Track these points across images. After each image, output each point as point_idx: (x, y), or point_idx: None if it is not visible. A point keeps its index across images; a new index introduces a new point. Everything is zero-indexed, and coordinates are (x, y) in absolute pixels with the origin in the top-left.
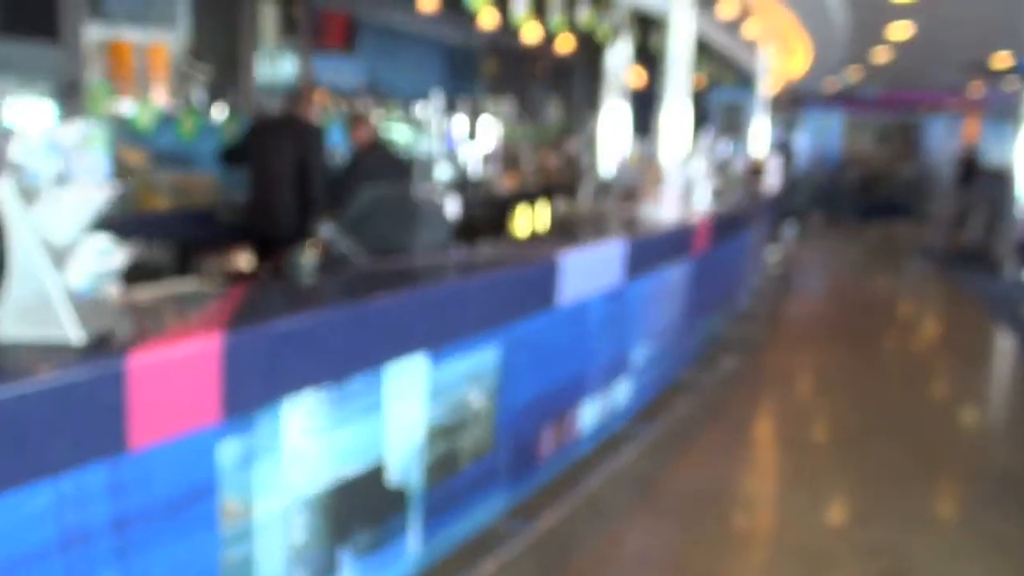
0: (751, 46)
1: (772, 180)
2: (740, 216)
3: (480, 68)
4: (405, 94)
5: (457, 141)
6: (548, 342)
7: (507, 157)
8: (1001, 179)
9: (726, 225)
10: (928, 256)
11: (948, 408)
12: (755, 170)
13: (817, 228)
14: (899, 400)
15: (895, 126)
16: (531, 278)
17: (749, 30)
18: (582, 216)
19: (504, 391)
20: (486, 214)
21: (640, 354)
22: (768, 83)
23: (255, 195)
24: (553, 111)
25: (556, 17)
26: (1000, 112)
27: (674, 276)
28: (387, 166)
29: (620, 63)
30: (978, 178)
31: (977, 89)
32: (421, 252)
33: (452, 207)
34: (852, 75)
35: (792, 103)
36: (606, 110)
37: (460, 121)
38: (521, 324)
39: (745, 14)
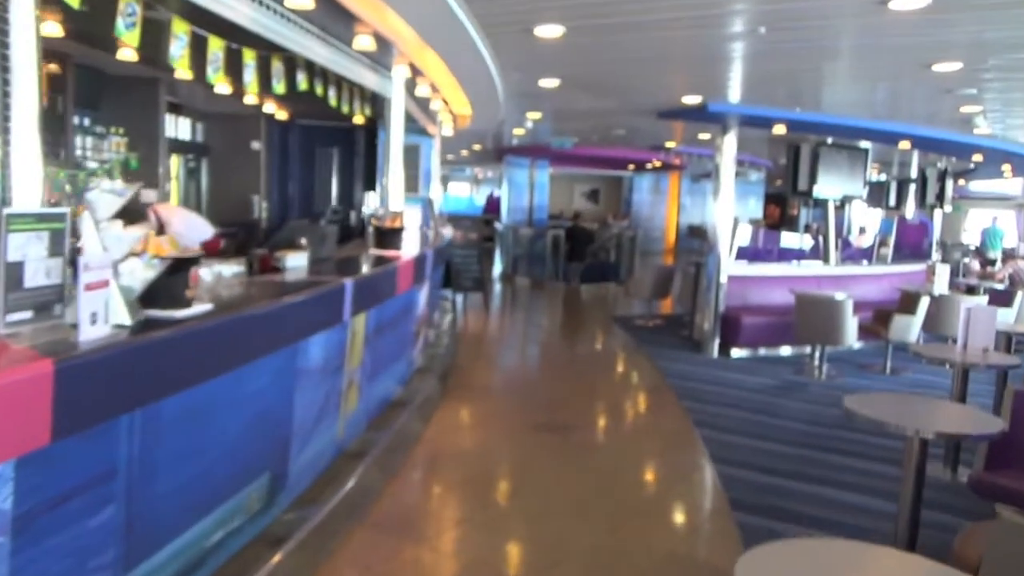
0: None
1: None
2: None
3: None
4: None
5: None
6: None
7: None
8: (704, 241)
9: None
10: (630, 327)
11: None
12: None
13: (521, 292)
14: None
15: (604, 183)
16: None
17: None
18: None
19: None
20: None
21: None
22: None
23: None
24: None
25: None
26: (701, 171)
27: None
28: None
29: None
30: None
31: (677, 138)
32: None
33: None
34: (535, 121)
35: (496, 155)
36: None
37: None
38: None
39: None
